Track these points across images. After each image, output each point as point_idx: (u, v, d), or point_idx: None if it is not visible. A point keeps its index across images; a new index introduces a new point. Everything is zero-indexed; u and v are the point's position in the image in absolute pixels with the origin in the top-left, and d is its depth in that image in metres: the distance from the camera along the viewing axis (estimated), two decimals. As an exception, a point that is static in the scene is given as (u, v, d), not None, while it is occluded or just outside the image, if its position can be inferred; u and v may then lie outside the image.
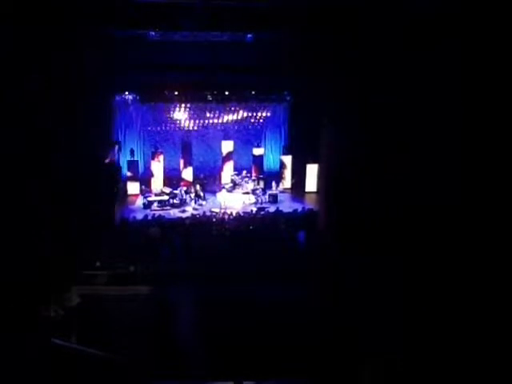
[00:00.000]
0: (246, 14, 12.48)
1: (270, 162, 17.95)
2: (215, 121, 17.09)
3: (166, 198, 15.48)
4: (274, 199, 15.80)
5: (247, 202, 15.65)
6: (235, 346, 6.25)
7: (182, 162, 16.87)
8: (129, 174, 16.31)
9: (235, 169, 17.12)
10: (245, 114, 17.19)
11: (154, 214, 14.19)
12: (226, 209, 14.75)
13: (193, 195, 15.77)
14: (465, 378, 5.37)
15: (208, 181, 16.60)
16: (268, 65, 14.84)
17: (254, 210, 14.74)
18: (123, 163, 16.34)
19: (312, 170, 16.62)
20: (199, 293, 7.96)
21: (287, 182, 17.24)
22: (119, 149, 15.89)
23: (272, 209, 14.78)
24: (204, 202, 15.67)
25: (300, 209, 14.47)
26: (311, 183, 16.66)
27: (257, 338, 6.62)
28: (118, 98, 15.75)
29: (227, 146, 17.24)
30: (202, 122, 17.01)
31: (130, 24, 12.26)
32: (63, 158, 11.48)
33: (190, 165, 16.89)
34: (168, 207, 15.15)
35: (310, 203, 15.54)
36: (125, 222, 13.67)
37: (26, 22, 9.42)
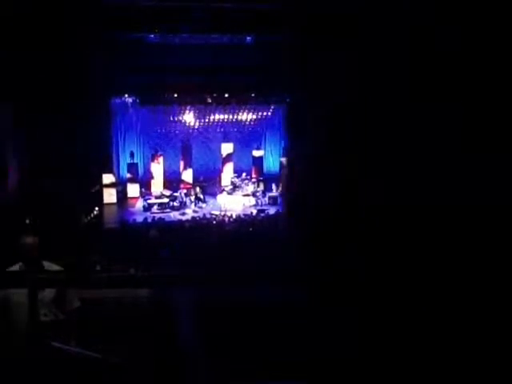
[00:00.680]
0: (246, 17, 12.51)
1: (269, 164, 17.95)
2: (215, 123, 17.10)
3: (166, 200, 15.47)
4: (274, 201, 15.79)
5: (247, 204, 15.65)
6: (235, 347, 6.25)
7: (181, 163, 16.87)
8: (129, 176, 16.32)
9: (235, 171, 17.12)
10: (244, 116, 17.20)
11: (153, 217, 14.19)
12: (226, 211, 14.74)
13: (193, 198, 15.76)
14: None
15: (208, 183, 16.60)
16: (268, 67, 14.84)
17: (254, 212, 14.73)
18: (123, 166, 16.34)
19: (312, 172, 16.64)
20: (199, 295, 7.95)
21: (287, 184, 17.24)
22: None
23: (272, 211, 14.78)
24: (204, 205, 15.67)
25: (300, 211, 14.46)
26: (311, 185, 16.68)
27: (257, 339, 6.61)
28: (117, 100, 15.76)
29: (227, 148, 17.24)
30: (201, 124, 17.02)
31: (130, 27, 12.29)
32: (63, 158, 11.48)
33: (190, 167, 16.89)
34: (168, 210, 15.14)
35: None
36: (125, 224, 13.67)
37: (26, 24, 9.43)
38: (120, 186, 15.89)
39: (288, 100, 16.95)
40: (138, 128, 16.78)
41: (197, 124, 16.99)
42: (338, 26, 12.87)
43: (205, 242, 11.79)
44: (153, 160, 16.60)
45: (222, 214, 14.44)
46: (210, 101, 16.20)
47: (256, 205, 15.66)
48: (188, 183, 16.70)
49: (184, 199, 15.59)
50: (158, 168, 16.63)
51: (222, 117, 16.95)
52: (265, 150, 17.76)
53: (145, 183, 16.53)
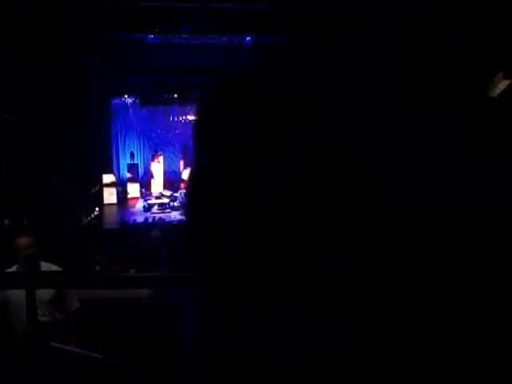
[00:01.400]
0: (246, 17, 12.49)
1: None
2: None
3: (166, 200, 15.46)
4: (274, 201, 15.79)
5: (247, 204, 15.65)
6: (235, 349, 6.23)
7: (181, 162, 16.85)
8: (129, 176, 16.32)
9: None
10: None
11: (154, 217, 14.17)
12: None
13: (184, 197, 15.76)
14: None
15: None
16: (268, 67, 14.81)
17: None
18: (123, 166, 16.34)
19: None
20: (199, 295, 7.94)
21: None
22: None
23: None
24: (204, 205, 15.66)
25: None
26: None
27: (257, 340, 6.60)
28: (117, 100, 15.76)
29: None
30: (201, 124, 17.02)
31: (129, 27, 12.28)
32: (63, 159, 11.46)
33: (190, 166, 16.88)
34: (168, 210, 15.13)
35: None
36: (125, 224, 13.66)
37: (26, 24, 9.42)
38: (120, 186, 15.89)
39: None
40: (138, 128, 16.78)
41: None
42: (337, 25, 12.87)
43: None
44: (153, 159, 16.60)
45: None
46: (209, 101, 16.19)
47: (256, 205, 15.65)
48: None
49: (184, 199, 15.58)
50: (158, 167, 16.63)
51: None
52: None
53: (145, 184, 16.53)
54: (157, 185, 16.54)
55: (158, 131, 16.85)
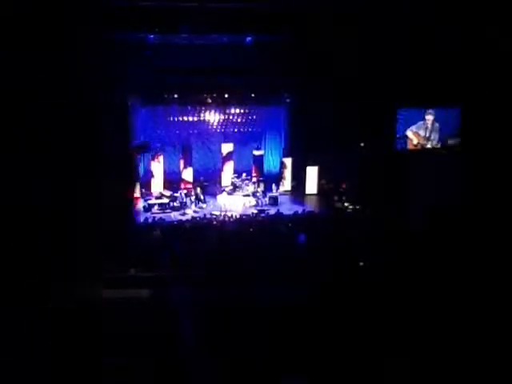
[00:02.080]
0: (246, 17, 12.50)
1: (270, 165, 17.94)
2: (215, 123, 17.10)
3: (166, 200, 15.47)
4: (274, 201, 15.79)
5: (247, 204, 15.65)
6: (235, 347, 6.24)
7: (181, 162, 16.84)
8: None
9: (235, 171, 17.11)
10: (244, 117, 17.20)
11: (154, 217, 14.18)
12: (226, 211, 14.74)
13: (193, 198, 15.76)
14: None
15: (208, 183, 16.60)
16: (267, 67, 14.84)
17: (255, 212, 14.72)
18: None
19: (312, 173, 16.64)
20: (200, 295, 7.95)
21: (287, 184, 17.22)
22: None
23: (272, 211, 14.77)
24: (204, 205, 15.66)
25: (300, 211, 14.45)
26: (311, 185, 16.68)
27: (257, 339, 6.61)
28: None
29: (227, 149, 17.24)
30: (201, 124, 17.02)
31: (129, 28, 12.28)
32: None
33: (190, 165, 16.86)
34: (168, 210, 15.13)
35: (310, 205, 15.54)
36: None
37: (25, 24, 9.42)
38: None
39: (288, 100, 16.97)
40: (138, 129, 16.77)
41: (197, 125, 16.98)
42: (337, 25, 12.87)
43: (205, 243, 11.77)
44: (153, 159, 16.60)
45: (223, 214, 14.43)
46: (209, 101, 16.21)
47: (256, 205, 15.65)
48: (188, 182, 16.69)
49: (184, 199, 15.58)
50: (158, 167, 16.62)
51: (221, 117, 16.94)
52: (265, 149, 17.75)
53: (145, 184, 16.52)
54: (157, 184, 16.54)
55: (158, 131, 16.84)
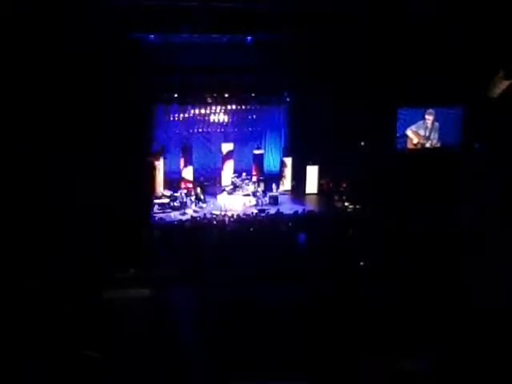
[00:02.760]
0: (246, 17, 12.51)
1: (270, 164, 17.94)
2: (215, 123, 17.09)
3: (166, 200, 15.46)
4: (274, 201, 15.79)
5: (248, 204, 15.64)
6: (236, 349, 6.24)
7: (182, 161, 16.84)
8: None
9: (235, 171, 17.11)
10: (245, 116, 17.20)
11: (154, 217, 14.18)
12: (226, 211, 14.73)
13: (193, 198, 15.75)
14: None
15: (208, 183, 16.60)
16: (268, 67, 14.84)
17: (255, 212, 14.72)
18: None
19: (312, 172, 16.63)
20: (200, 295, 7.95)
21: (287, 184, 17.21)
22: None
23: (272, 211, 14.77)
24: (204, 205, 15.66)
25: (300, 210, 14.45)
26: (311, 185, 16.68)
27: (258, 339, 6.61)
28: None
29: (227, 148, 17.24)
30: (201, 124, 17.01)
31: (130, 27, 12.28)
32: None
33: (191, 164, 16.86)
34: (168, 210, 15.13)
35: (311, 205, 15.54)
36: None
37: (25, 24, 9.42)
38: None
39: (288, 99, 16.97)
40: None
41: (197, 124, 16.98)
42: (336, 25, 12.87)
43: (205, 242, 11.77)
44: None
45: (223, 213, 14.43)
46: (210, 101, 16.21)
47: (256, 205, 15.65)
48: (188, 181, 16.68)
49: (184, 199, 15.58)
50: (157, 165, 16.60)
51: (222, 117, 16.93)
52: (265, 149, 17.75)
53: (145, 183, 16.53)
54: (157, 183, 16.52)
55: (158, 131, 16.84)
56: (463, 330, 6.52)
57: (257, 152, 17.48)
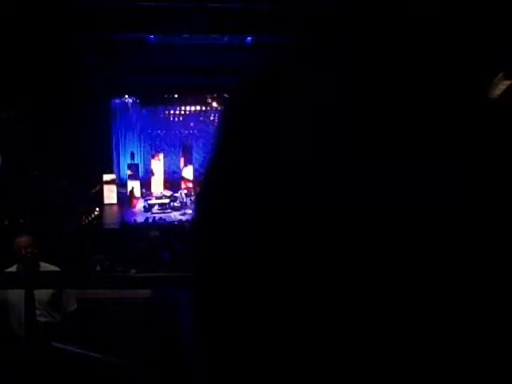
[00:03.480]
0: (246, 17, 12.49)
1: (270, 164, 17.94)
2: (215, 123, 17.10)
3: (166, 201, 15.46)
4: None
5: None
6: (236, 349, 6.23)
7: (182, 160, 16.85)
8: (129, 176, 16.34)
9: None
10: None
11: (154, 217, 14.18)
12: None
13: (193, 198, 15.74)
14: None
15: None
16: (268, 67, 14.82)
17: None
18: (123, 166, 16.35)
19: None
20: (200, 296, 7.94)
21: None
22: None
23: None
24: (205, 205, 15.65)
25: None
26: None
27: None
28: (117, 100, 15.77)
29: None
30: (201, 124, 17.02)
31: (129, 28, 12.28)
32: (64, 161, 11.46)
33: (191, 163, 16.87)
34: (169, 210, 15.12)
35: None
36: (125, 225, 13.66)
37: (25, 25, 9.42)
38: (124, 187, 15.90)
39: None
40: (138, 129, 16.79)
41: (197, 124, 16.99)
42: (337, 25, 12.86)
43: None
44: (153, 157, 16.61)
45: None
46: (210, 101, 16.22)
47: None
48: (188, 180, 16.69)
49: (185, 199, 15.58)
50: (158, 164, 16.62)
51: (222, 117, 16.95)
52: (265, 150, 17.74)
53: (145, 184, 16.52)
54: (157, 182, 16.52)
55: (158, 131, 16.85)
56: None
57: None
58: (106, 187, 15.29)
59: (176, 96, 15.77)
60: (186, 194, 15.79)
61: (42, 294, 3.75)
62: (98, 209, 14.30)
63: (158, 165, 16.61)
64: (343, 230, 0.35)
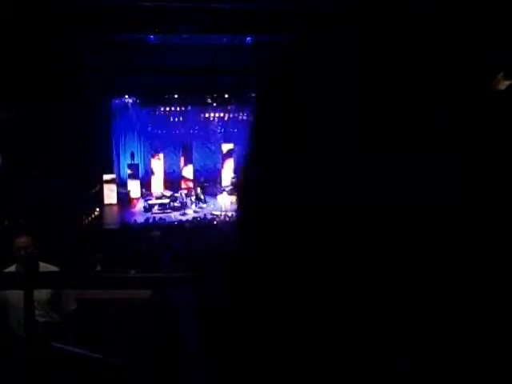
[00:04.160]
0: (246, 17, 12.49)
1: (270, 165, 17.92)
2: (215, 124, 17.10)
3: (166, 201, 15.46)
4: (274, 201, 15.76)
5: (248, 204, 15.63)
6: (236, 349, 6.24)
7: (182, 159, 16.86)
8: (129, 176, 16.34)
9: (235, 171, 17.09)
10: (245, 117, 17.20)
11: (154, 218, 14.18)
12: (226, 211, 14.72)
13: (193, 198, 15.75)
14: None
15: (208, 184, 16.60)
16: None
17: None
18: (123, 166, 16.35)
19: (312, 172, 16.65)
20: (200, 295, 7.94)
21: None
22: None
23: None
24: (205, 205, 15.65)
25: (300, 211, 14.44)
26: (311, 185, 16.69)
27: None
28: (117, 101, 15.77)
29: (227, 148, 17.25)
30: (201, 124, 17.02)
31: (129, 28, 12.28)
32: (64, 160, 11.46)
33: (191, 163, 16.87)
34: (169, 210, 15.12)
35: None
36: (126, 225, 13.66)
37: (25, 25, 9.42)
38: (121, 186, 15.91)
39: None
40: (138, 129, 16.79)
41: (197, 125, 16.99)
42: (337, 25, 12.86)
43: (205, 243, 11.76)
44: (153, 156, 16.62)
45: (223, 214, 14.42)
46: (209, 101, 16.22)
47: (256, 205, 15.63)
48: (188, 179, 16.69)
49: (185, 200, 15.58)
50: (158, 164, 16.63)
51: (222, 117, 16.94)
52: (265, 150, 17.73)
53: (145, 184, 16.52)
54: (157, 182, 16.52)
55: (158, 131, 16.85)
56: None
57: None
58: (106, 187, 15.31)
59: (176, 96, 15.77)
60: (186, 194, 15.79)
61: (42, 294, 3.74)
62: (98, 209, 14.30)
63: (157, 164, 16.61)
64: (347, 229, 0.36)
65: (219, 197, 16.01)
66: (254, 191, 0.46)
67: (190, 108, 16.53)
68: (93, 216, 13.83)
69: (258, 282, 0.45)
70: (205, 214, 14.53)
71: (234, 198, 15.84)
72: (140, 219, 14.14)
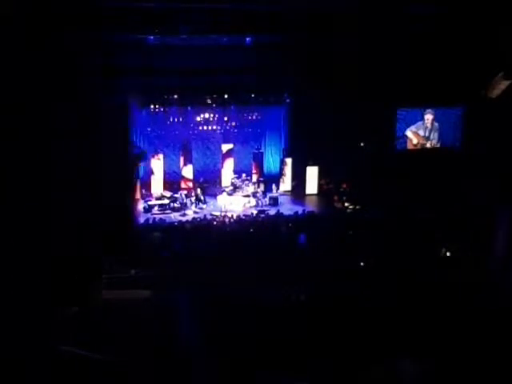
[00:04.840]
0: (245, 17, 12.51)
1: (269, 164, 17.91)
2: (215, 124, 17.09)
3: (166, 201, 15.44)
4: (274, 202, 15.77)
5: (248, 204, 15.63)
6: (236, 350, 6.24)
7: (182, 159, 16.83)
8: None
9: (235, 172, 17.10)
10: (244, 117, 17.19)
11: (154, 218, 14.18)
12: (226, 212, 14.73)
13: (193, 199, 15.74)
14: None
15: (208, 184, 16.59)
16: (268, 67, 14.84)
17: (255, 212, 14.71)
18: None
19: (312, 173, 16.61)
20: (200, 296, 7.95)
21: (287, 185, 17.19)
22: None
23: (272, 211, 14.75)
24: (204, 206, 15.64)
25: (300, 211, 14.45)
26: (311, 185, 16.66)
27: (258, 339, 6.61)
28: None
29: (227, 148, 17.24)
30: (201, 125, 17.01)
31: (129, 29, 12.29)
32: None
33: (191, 162, 16.84)
34: (169, 211, 15.11)
35: (311, 206, 15.52)
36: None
37: (25, 25, 9.41)
38: None
39: (288, 100, 16.95)
40: (138, 129, 16.78)
41: (196, 125, 16.97)
42: (337, 25, 12.88)
43: (205, 243, 11.77)
44: (153, 157, 16.60)
45: (223, 214, 14.42)
46: (209, 102, 16.21)
47: (256, 205, 15.62)
48: (188, 179, 16.67)
49: (184, 200, 15.56)
50: (158, 164, 16.60)
51: (221, 117, 16.93)
52: (265, 150, 17.72)
53: (145, 184, 16.50)
54: (157, 182, 16.50)
55: (158, 131, 16.84)
56: (464, 329, 6.52)
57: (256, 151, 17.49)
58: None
59: (175, 96, 15.75)
60: (185, 195, 15.78)
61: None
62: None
63: (157, 164, 16.60)
64: None
65: (219, 197, 16.01)
66: None
67: (189, 108, 16.50)
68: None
69: None
70: (204, 215, 14.52)
71: (234, 199, 15.86)
72: (140, 220, 14.13)
